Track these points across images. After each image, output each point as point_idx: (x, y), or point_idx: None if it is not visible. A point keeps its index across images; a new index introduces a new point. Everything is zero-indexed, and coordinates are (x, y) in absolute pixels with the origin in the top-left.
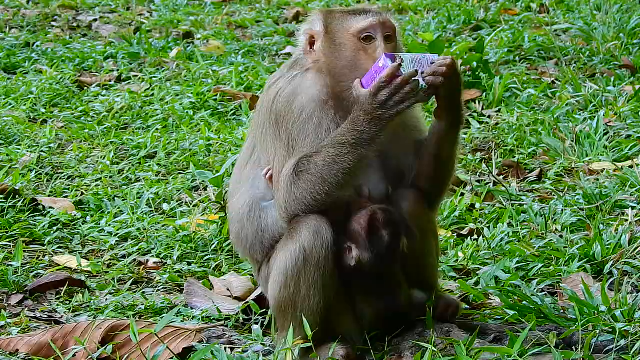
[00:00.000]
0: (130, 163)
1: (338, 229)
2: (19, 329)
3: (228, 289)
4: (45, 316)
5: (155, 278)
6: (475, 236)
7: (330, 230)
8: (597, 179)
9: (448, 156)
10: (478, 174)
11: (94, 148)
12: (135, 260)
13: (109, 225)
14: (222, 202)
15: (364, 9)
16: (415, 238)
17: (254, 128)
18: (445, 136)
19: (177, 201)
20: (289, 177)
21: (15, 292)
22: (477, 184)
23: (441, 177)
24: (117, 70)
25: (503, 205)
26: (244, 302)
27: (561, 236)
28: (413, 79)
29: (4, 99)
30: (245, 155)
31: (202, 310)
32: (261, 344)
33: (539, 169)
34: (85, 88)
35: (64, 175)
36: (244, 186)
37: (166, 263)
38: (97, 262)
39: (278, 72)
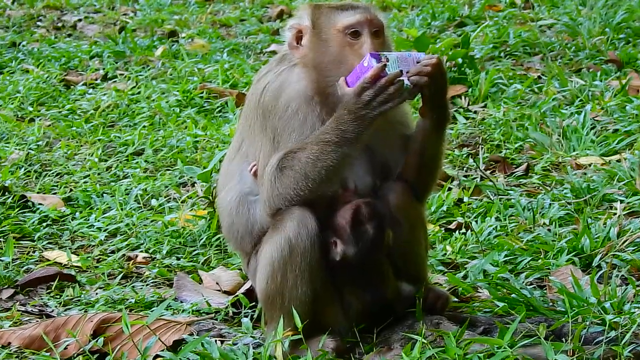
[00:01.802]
0: (118, 160)
1: (323, 223)
2: (11, 322)
3: (217, 283)
4: (37, 310)
5: (144, 273)
6: (464, 230)
7: (315, 219)
8: (585, 173)
9: (434, 153)
10: (465, 169)
11: (81, 145)
12: (124, 255)
13: (98, 221)
14: (210, 198)
15: (351, 4)
16: (402, 230)
17: (242, 121)
18: (431, 134)
19: (165, 197)
20: (272, 172)
21: (6, 286)
22: (465, 178)
23: (428, 172)
24: (103, 69)
25: (490, 199)
26: (233, 296)
27: (549, 230)
28: (398, 79)
29: None
30: (233, 149)
31: (191, 303)
32: (251, 336)
33: (526, 163)
34: (72, 87)
35: (53, 172)
36: (232, 179)
37: (155, 258)
38: (87, 257)
39: (266, 66)
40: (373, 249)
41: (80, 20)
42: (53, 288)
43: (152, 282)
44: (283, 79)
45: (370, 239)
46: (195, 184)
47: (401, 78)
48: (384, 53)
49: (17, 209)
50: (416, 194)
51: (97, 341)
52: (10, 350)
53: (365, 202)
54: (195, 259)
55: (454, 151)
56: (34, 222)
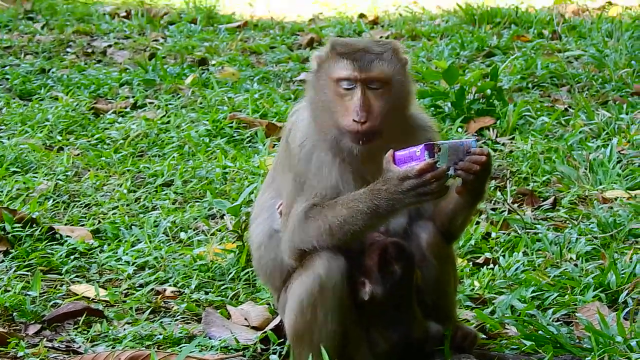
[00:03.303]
0: (147, 191)
1: (353, 263)
2: (38, 359)
3: (246, 319)
4: (64, 346)
5: (173, 307)
6: (491, 265)
7: (344, 257)
8: (611, 207)
9: (459, 224)
10: (493, 202)
11: (110, 176)
12: (152, 289)
13: (127, 254)
14: (240, 231)
15: (353, 51)
16: (433, 269)
17: (276, 155)
18: (463, 208)
19: (194, 230)
20: (299, 218)
21: (33, 322)
22: (492, 212)
23: (455, 230)
24: (133, 97)
25: (518, 233)
26: (261, 332)
27: (576, 265)
28: (444, 175)
29: (20, 126)
30: (266, 182)
31: (220, 340)
32: None
33: (553, 197)
34: (101, 115)
35: (81, 204)
36: (263, 213)
37: (184, 292)
38: (115, 292)
39: (297, 104)
40: (401, 289)
41: (110, 46)
42: (80, 323)
43: (180, 318)
44: (297, 118)
45: (399, 279)
46: (225, 216)
47: (448, 173)
48: (438, 142)
49: (45, 242)
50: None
51: None
52: None
53: (392, 242)
54: (223, 293)
55: None
56: (61, 254)
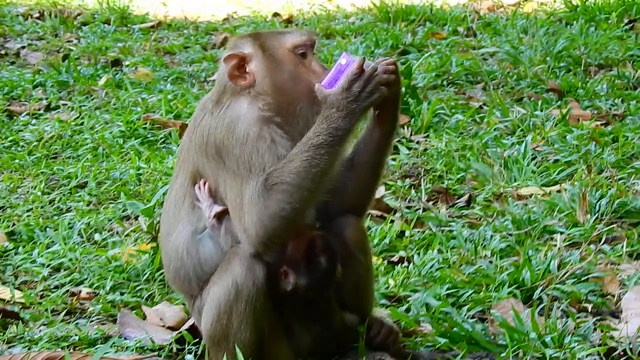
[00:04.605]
0: (61, 193)
1: (276, 254)
2: None
3: (161, 319)
4: None
5: (88, 308)
6: (406, 263)
7: (264, 268)
8: (526, 204)
9: (383, 163)
10: (408, 200)
11: (24, 178)
12: (68, 290)
13: (41, 256)
14: (154, 233)
15: (290, 29)
16: (358, 264)
17: (185, 167)
18: (386, 140)
19: (108, 231)
20: (259, 193)
21: None
22: (407, 210)
23: (373, 186)
24: (47, 98)
25: (432, 231)
26: (177, 332)
27: (491, 262)
28: (377, 70)
29: None
30: (178, 195)
31: (135, 340)
32: None
33: (468, 194)
34: (15, 117)
35: None
36: (180, 224)
37: (99, 293)
38: (30, 294)
39: (199, 112)
40: (325, 281)
41: (23, 47)
42: None
43: (96, 319)
44: (232, 113)
45: (323, 272)
46: (139, 218)
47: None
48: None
49: None
50: (357, 211)
51: None
52: None
53: (318, 235)
54: (139, 294)
55: (396, 182)
56: None
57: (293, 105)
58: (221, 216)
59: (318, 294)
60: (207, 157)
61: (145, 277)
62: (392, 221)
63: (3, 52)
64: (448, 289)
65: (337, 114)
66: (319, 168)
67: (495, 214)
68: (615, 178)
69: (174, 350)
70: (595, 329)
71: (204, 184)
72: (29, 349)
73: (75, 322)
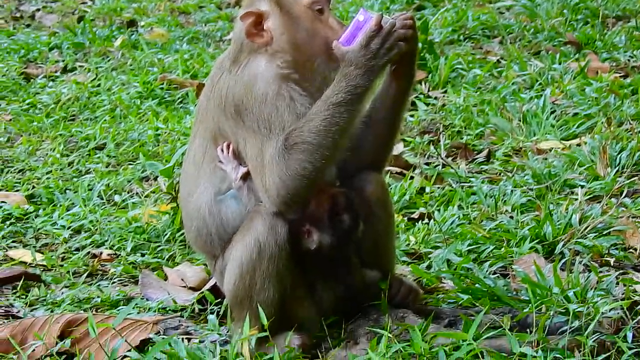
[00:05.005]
0: (80, 155)
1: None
2: None
3: (182, 279)
4: (2, 311)
5: (109, 270)
6: (426, 220)
7: (286, 226)
8: (546, 159)
9: (400, 119)
10: (427, 156)
11: (43, 140)
12: (89, 252)
13: (62, 218)
14: (173, 193)
15: None
16: (379, 221)
17: (203, 127)
18: (403, 96)
19: (128, 192)
20: (279, 153)
21: None
22: (426, 166)
23: (391, 142)
24: (63, 60)
25: (452, 187)
26: (198, 292)
27: (511, 217)
28: (396, 26)
29: None
30: (197, 155)
31: (157, 301)
32: (218, 333)
33: (487, 149)
34: (32, 80)
35: (15, 169)
36: (200, 184)
37: (120, 255)
38: (52, 256)
39: (217, 71)
40: (347, 239)
41: (38, 9)
42: (19, 288)
43: (117, 280)
44: (250, 71)
45: (346, 229)
46: (158, 178)
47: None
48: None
49: None
50: (375, 167)
51: (64, 343)
52: None
53: (341, 192)
54: (159, 255)
55: (415, 138)
56: None
57: (311, 62)
58: (245, 176)
59: (340, 251)
60: (226, 116)
61: (165, 238)
62: (411, 178)
63: (18, 14)
64: (469, 245)
65: (356, 72)
66: (338, 126)
67: (515, 168)
68: (635, 130)
69: (196, 310)
70: (617, 283)
71: (227, 146)
72: (51, 311)
73: (97, 284)
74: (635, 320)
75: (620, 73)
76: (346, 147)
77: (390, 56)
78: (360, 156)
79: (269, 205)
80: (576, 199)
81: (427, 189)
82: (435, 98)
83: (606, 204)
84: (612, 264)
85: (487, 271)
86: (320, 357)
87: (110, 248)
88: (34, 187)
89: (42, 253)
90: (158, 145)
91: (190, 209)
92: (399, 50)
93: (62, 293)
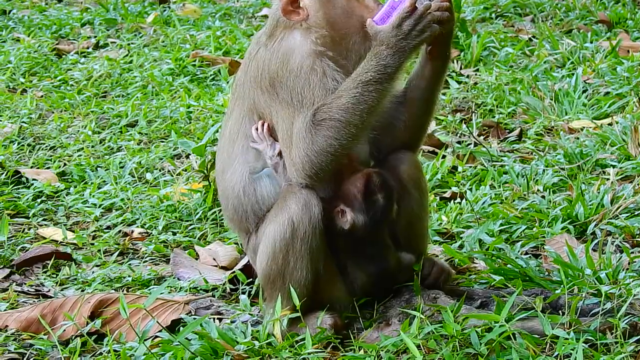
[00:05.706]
0: (111, 132)
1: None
2: (7, 304)
3: (214, 259)
4: (33, 290)
5: (140, 249)
6: (458, 199)
7: (319, 205)
8: (577, 138)
9: (435, 98)
10: (458, 134)
11: (74, 117)
12: (120, 231)
13: (93, 196)
14: (205, 171)
15: None
16: (413, 201)
17: (240, 103)
18: (438, 76)
19: (159, 170)
20: (307, 128)
21: (2, 266)
22: (458, 145)
23: (426, 121)
24: (95, 37)
25: (484, 166)
26: (230, 272)
27: (543, 197)
28: (430, 8)
29: None
30: (232, 131)
31: (189, 281)
32: (249, 314)
33: (519, 128)
34: (64, 56)
35: (46, 146)
36: (236, 161)
37: (151, 233)
38: (83, 234)
39: (254, 46)
40: (382, 219)
41: None
42: (49, 267)
43: (148, 259)
44: (286, 46)
45: (381, 209)
46: (190, 156)
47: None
48: None
49: (11, 185)
50: (410, 146)
51: (94, 323)
52: (7, 334)
53: (375, 172)
54: (191, 233)
55: (447, 117)
56: (28, 198)
57: (346, 39)
58: (281, 153)
59: (373, 232)
60: (262, 89)
61: (197, 217)
62: (443, 156)
63: None
64: (501, 225)
65: (387, 52)
66: (366, 105)
67: (546, 148)
68: None
69: (228, 290)
70: None
71: (262, 124)
72: (82, 290)
73: (128, 262)
74: None
75: None
76: (379, 126)
77: (423, 38)
78: (394, 136)
79: (294, 178)
80: (608, 179)
81: (459, 168)
82: (467, 76)
83: (638, 184)
84: None
85: (519, 251)
86: (352, 337)
87: (142, 226)
88: (65, 164)
89: (73, 231)
90: (190, 122)
91: (225, 186)
92: (432, 32)
93: (93, 272)
